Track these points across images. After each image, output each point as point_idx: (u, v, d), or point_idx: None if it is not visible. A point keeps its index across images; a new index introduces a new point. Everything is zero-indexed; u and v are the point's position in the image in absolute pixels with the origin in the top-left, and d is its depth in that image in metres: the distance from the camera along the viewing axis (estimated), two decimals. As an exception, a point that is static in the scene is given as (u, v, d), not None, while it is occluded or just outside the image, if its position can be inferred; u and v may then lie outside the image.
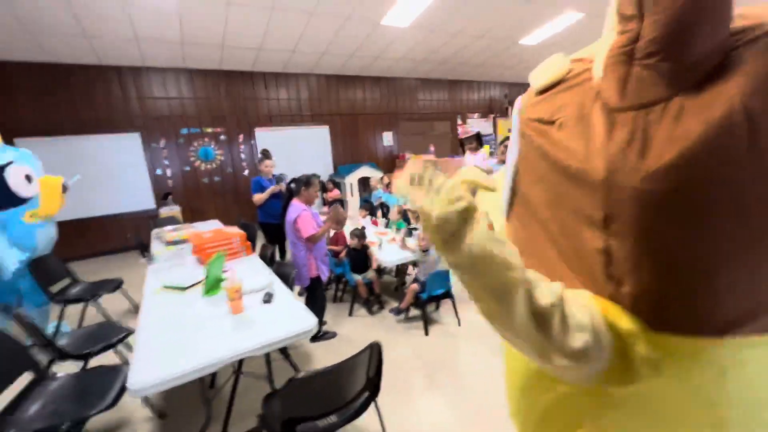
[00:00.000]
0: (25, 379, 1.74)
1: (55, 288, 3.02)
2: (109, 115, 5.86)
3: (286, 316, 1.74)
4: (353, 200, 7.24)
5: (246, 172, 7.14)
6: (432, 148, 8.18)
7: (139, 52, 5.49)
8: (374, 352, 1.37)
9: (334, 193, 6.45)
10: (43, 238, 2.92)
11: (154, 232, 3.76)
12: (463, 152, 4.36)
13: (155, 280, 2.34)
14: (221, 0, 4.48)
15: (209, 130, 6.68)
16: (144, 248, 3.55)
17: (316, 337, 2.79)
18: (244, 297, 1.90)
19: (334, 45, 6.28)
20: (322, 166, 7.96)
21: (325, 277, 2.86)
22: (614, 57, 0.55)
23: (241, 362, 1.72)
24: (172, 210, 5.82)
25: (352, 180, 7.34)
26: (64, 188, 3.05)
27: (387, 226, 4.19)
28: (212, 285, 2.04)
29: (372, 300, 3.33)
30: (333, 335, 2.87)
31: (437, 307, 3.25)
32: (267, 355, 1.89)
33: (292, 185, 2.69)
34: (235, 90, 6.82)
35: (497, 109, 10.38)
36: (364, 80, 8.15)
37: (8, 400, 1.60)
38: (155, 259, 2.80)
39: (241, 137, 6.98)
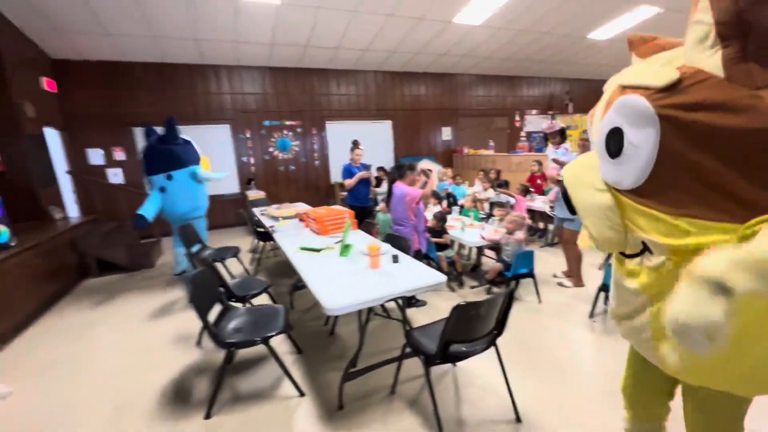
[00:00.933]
0: (217, 308, 2.28)
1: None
2: (205, 108, 6.66)
3: (414, 272, 2.13)
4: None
5: (317, 163, 7.74)
6: (492, 143, 8.34)
7: (234, 53, 6.20)
8: (506, 298, 1.71)
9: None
10: (202, 191, 4.12)
11: (256, 210, 4.36)
12: (547, 145, 4.62)
13: (288, 243, 2.85)
14: (312, 4, 4.98)
15: (288, 122, 7.33)
16: (255, 223, 4.17)
17: (411, 304, 3.19)
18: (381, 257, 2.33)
19: (404, 44, 6.64)
20: (385, 159, 8.39)
21: (424, 249, 3.28)
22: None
23: (381, 306, 2.12)
24: (258, 194, 6.52)
25: (413, 172, 7.71)
26: None
27: (461, 213, 4.51)
28: (345, 247, 2.49)
29: (453, 277, 3.67)
30: (424, 303, 3.26)
31: (516, 286, 3.53)
32: (398, 302, 2.30)
33: (395, 171, 3.08)
34: (311, 86, 7.41)
35: (557, 106, 10.24)
36: (426, 76, 8.46)
37: (211, 319, 2.13)
38: (277, 228, 3.34)
39: (314, 130, 7.58)
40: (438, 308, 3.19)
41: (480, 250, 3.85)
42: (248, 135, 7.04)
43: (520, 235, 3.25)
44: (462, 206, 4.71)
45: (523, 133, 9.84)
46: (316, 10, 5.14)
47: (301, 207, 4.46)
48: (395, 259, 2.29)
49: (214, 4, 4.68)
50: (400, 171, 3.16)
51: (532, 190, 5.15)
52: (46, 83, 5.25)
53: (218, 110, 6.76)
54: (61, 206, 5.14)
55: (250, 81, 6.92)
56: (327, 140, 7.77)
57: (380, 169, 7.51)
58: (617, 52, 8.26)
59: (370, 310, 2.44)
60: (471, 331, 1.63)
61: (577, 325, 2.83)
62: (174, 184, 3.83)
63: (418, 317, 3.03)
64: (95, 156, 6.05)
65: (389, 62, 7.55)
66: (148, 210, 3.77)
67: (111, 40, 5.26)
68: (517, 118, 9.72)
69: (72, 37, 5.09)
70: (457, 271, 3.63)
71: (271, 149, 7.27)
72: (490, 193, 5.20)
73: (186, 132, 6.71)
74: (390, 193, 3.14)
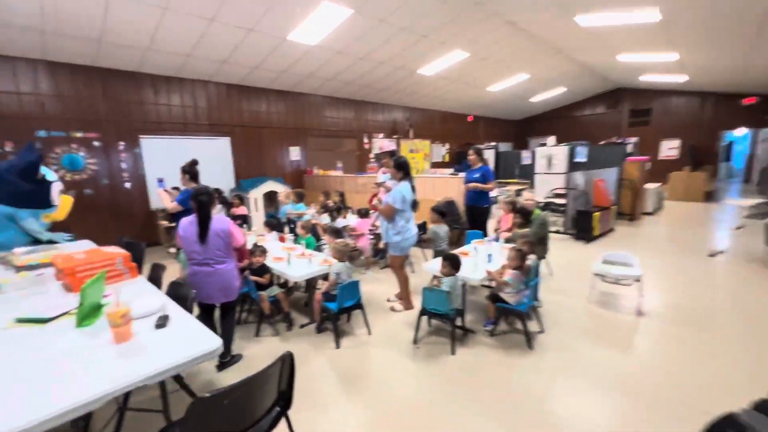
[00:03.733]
0: None
1: None
2: (-77, 109, 4.55)
3: (185, 339, 1.59)
4: (258, 215, 6.90)
5: (128, 184, 6.23)
6: (340, 165, 8.35)
7: (-24, 34, 4.45)
8: (286, 363, 1.36)
9: (241, 210, 6.05)
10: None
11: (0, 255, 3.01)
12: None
13: (3, 313, 1.90)
14: (100, -10, 3.97)
15: (78, 134, 5.67)
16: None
17: (224, 364, 2.58)
18: (134, 323, 1.69)
19: (236, 54, 6.04)
20: (224, 180, 7.42)
21: (242, 285, 2.71)
22: None
23: (127, 396, 1.50)
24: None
25: (256, 195, 7.01)
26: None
27: (296, 241, 4.13)
28: (88, 313, 1.74)
29: (278, 319, 3.23)
30: (239, 358, 2.69)
31: (348, 319, 3.31)
32: (162, 386, 1.69)
33: (204, 197, 2.39)
34: (116, 91, 5.97)
35: (400, 130, 11.15)
36: (268, 93, 7.95)
37: None
38: (1, 288, 2.25)
39: (122, 145, 6.09)
40: (257, 360, 2.68)
41: (309, 282, 3.53)
42: (9, 149, 5.13)
43: (336, 266, 3.04)
44: (296, 234, 4.33)
45: (372, 155, 10.29)
46: (104, -3, 4.10)
47: (85, 248, 3.28)
48: (161, 322, 1.70)
49: None
50: (206, 198, 2.42)
51: (372, 211, 5.19)
52: None
53: (-51, 112, 4.70)
54: None
55: (11, 76, 5.09)
56: (142, 157, 6.36)
57: (215, 191, 6.55)
58: (442, 86, 9.51)
59: (127, 396, 1.74)
60: (229, 424, 1.20)
61: (401, 354, 2.75)
62: None
63: (228, 380, 2.45)
64: None
65: (223, 73, 6.77)
66: None
67: None
68: (366, 140, 10.12)
69: None
70: (283, 311, 3.20)
71: (54, 168, 5.46)
72: (325, 218, 5.01)
73: None
74: (204, 225, 2.38)
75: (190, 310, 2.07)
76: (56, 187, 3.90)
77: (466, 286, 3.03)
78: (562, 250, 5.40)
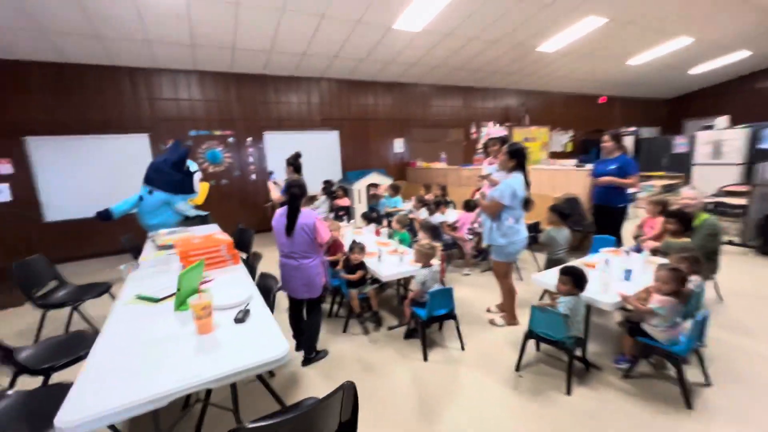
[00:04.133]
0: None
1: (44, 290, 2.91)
2: (118, 116, 5.86)
3: (259, 339, 1.52)
4: (361, 207, 7.06)
5: (254, 176, 7.05)
6: (444, 156, 7.94)
7: (150, 53, 5.48)
8: (347, 394, 1.14)
9: (344, 201, 6.27)
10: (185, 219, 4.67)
11: (151, 234, 3.63)
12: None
13: (132, 288, 2.18)
14: (230, 0, 4.41)
15: (218, 132, 6.63)
16: (137, 252, 3.42)
17: (309, 360, 2.57)
18: (218, 313, 1.71)
19: (345, 48, 6.17)
20: (331, 172, 7.82)
21: (329, 281, 2.69)
22: None
23: (208, 392, 1.51)
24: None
25: (360, 186, 7.16)
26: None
27: (391, 236, 3.97)
28: (185, 298, 1.85)
29: (367, 317, 3.11)
30: (324, 354, 2.65)
31: (440, 328, 2.99)
32: (233, 386, 1.68)
33: (296, 190, 2.36)
34: (246, 93, 6.76)
35: (513, 118, 10.09)
36: (375, 86, 8.01)
37: None
38: (139, 265, 2.64)
39: (249, 140, 6.91)
40: (341, 360, 2.60)
41: (400, 282, 3.32)
42: (169, 145, 6.26)
43: (432, 266, 2.71)
44: (392, 229, 4.15)
45: (479, 145, 9.56)
46: (235, 8, 4.56)
47: (212, 231, 3.76)
48: (241, 316, 1.68)
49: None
50: (300, 191, 2.39)
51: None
52: None
53: (133, 118, 5.97)
54: None
55: (172, 86, 6.19)
56: (266, 152, 7.11)
57: (326, 182, 6.93)
58: (567, 63, 8.16)
59: (209, 392, 1.78)
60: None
61: (499, 381, 2.31)
62: (149, 200, 4.40)
63: (310, 377, 2.42)
64: (-28, 170, 5.12)
65: (333, 69, 7.05)
66: (118, 207, 4.52)
67: (-16, 33, 4.44)
68: (473, 129, 9.45)
69: (-70, 28, 4.24)
70: (372, 310, 3.06)
71: (200, 161, 6.51)
72: (423, 213, 4.71)
73: (96, 143, 5.97)
74: (292, 218, 2.34)
75: (272, 303, 2.04)
76: (197, 177, 4.62)
77: (592, 308, 2.38)
78: (738, 269, 4.02)
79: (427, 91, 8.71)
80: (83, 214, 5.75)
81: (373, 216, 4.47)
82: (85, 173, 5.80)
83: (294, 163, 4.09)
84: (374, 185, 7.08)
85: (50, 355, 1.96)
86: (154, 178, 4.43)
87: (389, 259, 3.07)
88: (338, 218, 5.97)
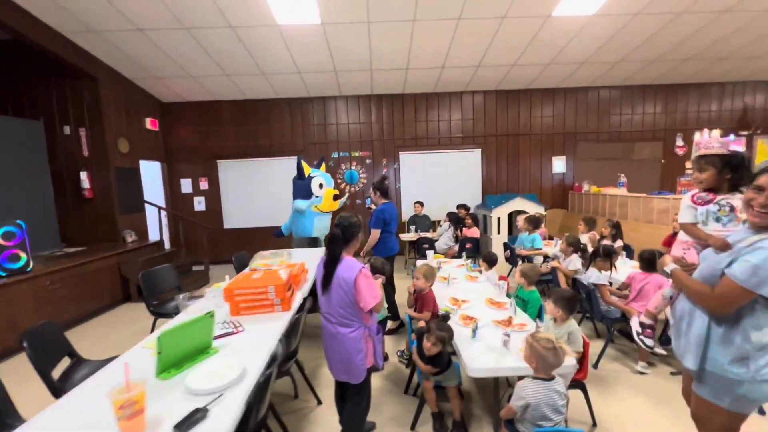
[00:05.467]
0: None
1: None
2: (279, 141, 6.71)
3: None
4: (498, 240, 5.87)
5: (386, 197, 6.89)
6: (623, 179, 5.85)
7: (302, 84, 6.04)
8: None
9: (472, 231, 5.31)
10: (317, 224, 4.84)
11: (258, 254, 3.72)
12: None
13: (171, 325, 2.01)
14: (362, 20, 4.30)
15: (356, 153, 6.79)
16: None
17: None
18: (191, 396, 1.26)
19: (489, 55, 5.28)
20: (470, 196, 6.92)
21: (382, 364, 1.93)
22: None
23: None
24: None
25: (500, 213, 5.98)
26: (336, 197, 4.86)
27: (510, 295, 2.85)
28: (170, 363, 1.48)
29: (444, 424, 2.12)
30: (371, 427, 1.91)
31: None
32: None
33: (337, 231, 1.76)
34: (385, 114, 6.71)
35: (755, 123, 6.74)
36: (530, 94, 6.70)
37: None
38: (196, 297, 2.51)
39: (384, 161, 6.81)
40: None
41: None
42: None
43: (553, 380, 1.57)
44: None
45: (691, 161, 6.75)
46: (366, 25, 4.44)
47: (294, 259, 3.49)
48: (197, 416, 1.15)
49: (260, 39, 4.54)
50: (349, 227, 1.79)
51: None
52: (150, 123, 6.09)
53: (289, 143, 6.72)
54: (142, 231, 5.73)
55: (321, 112, 6.69)
56: (400, 173, 6.87)
57: (461, 207, 6.13)
58: None
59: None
60: None
61: None
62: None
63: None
64: (186, 185, 6.73)
65: (477, 81, 6.23)
66: (285, 225, 5.15)
67: (194, 81, 5.75)
68: (680, 142, 6.75)
69: (166, 82, 5.76)
70: (455, 416, 2.07)
71: (339, 181, 6.81)
72: (575, 263, 3.27)
73: (260, 165, 7.01)
74: (329, 268, 1.75)
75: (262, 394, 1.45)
76: (316, 181, 4.72)
77: None
78: None
79: (604, 96, 6.74)
80: (251, 224, 6.83)
81: (492, 258, 3.39)
82: (254, 190, 6.86)
83: (380, 187, 3.54)
84: (521, 213, 5.77)
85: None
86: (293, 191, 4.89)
87: (491, 335, 2.07)
88: (462, 252, 5.06)
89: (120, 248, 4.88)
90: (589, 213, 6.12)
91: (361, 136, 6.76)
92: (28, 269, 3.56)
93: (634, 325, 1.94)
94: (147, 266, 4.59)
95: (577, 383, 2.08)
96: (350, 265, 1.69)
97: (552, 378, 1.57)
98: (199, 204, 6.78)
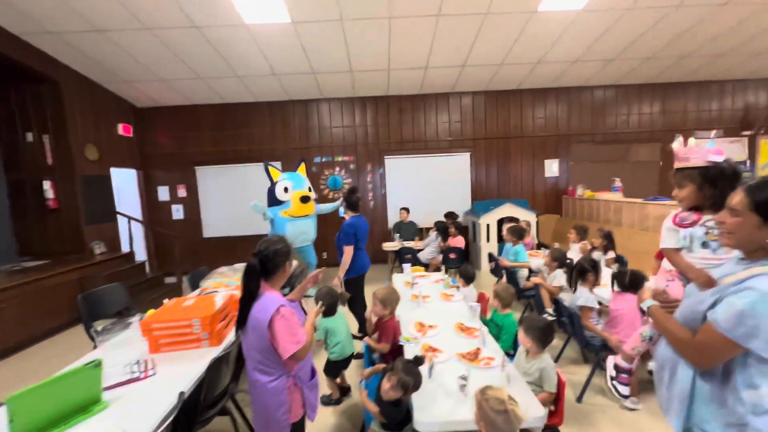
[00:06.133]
0: None
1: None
2: (258, 147, 6.44)
3: None
4: (487, 249, 5.57)
5: (371, 203, 6.61)
6: (618, 183, 5.54)
7: (279, 86, 5.77)
8: None
9: (457, 241, 5.02)
10: (291, 230, 4.50)
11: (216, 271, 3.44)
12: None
13: (99, 355, 1.73)
14: (335, 18, 4.04)
15: (339, 158, 6.51)
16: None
17: None
18: None
19: (474, 53, 5.00)
20: (459, 202, 6.63)
21: (314, 416, 1.62)
22: None
23: None
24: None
25: (488, 220, 5.69)
26: (304, 199, 4.48)
27: (484, 321, 2.54)
28: (31, 430, 1.19)
29: None
30: None
31: None
32: None
33: (254, 261, 1.43)
34: (369, 117, 6.44)
35: (758, 123, 6.43)
36: (520, 95, 6.41)
37: None
38: (107, 334, 2.22)
39: (369, 166, 6.53)
40: None
41: None
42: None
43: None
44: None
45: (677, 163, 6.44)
46: (340, 23, 4.17)
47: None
48: None
49: (229, 40, 4.28)
50: (269, 254, 1.45)
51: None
52: (122, 128, 5.83)
53: (269, 149, 6.45)
54: (113, 242, 5.47)
55: (303, 114, 6.42)
56: (385, 178, 6.59)
57: (448, 216, 5.85)
58: None
59: None
60: None
61: None
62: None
63: None
64: (163, 193, 6.47)
65: (463, 81, 5.95)
66: (270, 233, 4.56)
67: (167, 85, 5.50)
68: (676, 144, 6.43)
69: (137, 86, 5.51)
70: None
71: (322, 188, 6.53)
72: (560, 280, 2.97)
73: (240, 171, 6.70)
74: (244, 305, 1.43)
75: None
76: (280, 186, 4.53)
77: None
78: None
79: (599, 96, 6.45)
80: (232, 232, 6.56)
81: (470, 273, 3.09)
82: (235, 197, 6.57)
83: (349, 200, 3.25)
84: (511, 220, 5.46)
85: None
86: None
87: (451, 373, 1.77)
88: (446, 262, 4.77)
89: (84, 261, 4.61)
90: (583, 218, 5.82)
91: (344, 139, 6.48)
92: (-32, 289, 3.29)
93: (609, 368, 1.65)
94: (112, 280, 4.32)
95: (550, 429, 1.79)
96: (266, 304, 1.39)
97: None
98: (177, 212, 6.51)
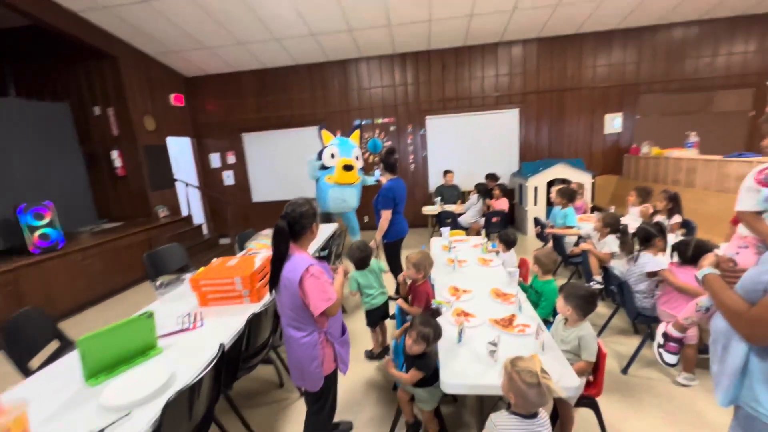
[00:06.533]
0: None
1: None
2: (299, 111, 6.48)
3: None
4: (535, 212, 5.27)
5: (413, 167, 6.48)
6: (693, 138, 4.82)
7: (318, 46, 5.64)
8: None
9: (500, 203, 4.79)
10: (333, 196, 4.65)
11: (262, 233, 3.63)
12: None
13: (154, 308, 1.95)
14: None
15: (380, 120, 6.37)
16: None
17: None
18: (103, 411, 1.15)
19: (525, -6, 4.45)
20: (506, 162, 6.27)
21: (345, 369, 1.71)
22: None
23: None
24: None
25: (537, 183, 5.33)
26: (347, 168, 4.53)
27: (523, 287, 2.44)
28: (98, 368, 1.38)
29: None
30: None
31: None
32: None
33: (282, 223, 1.45)
34: (409, 74, 6.14)
35: None
36: (579, 40, 5.68)
37: None
38: (164, 287, 2.43)
39: (410, 127, 6.32)
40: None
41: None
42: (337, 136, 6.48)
43: (539, 416, 1.23)
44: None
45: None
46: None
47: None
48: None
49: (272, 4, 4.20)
50: (299, 216, 1.47)
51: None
52: (174, 99, 6.15)
53: (310, 114, 6.46)
54: (174, 206, 5.98)
55: (342, 76, 6.28)
56: (426, 139, 6.37)
57: (490, 177, 5.60)
58: None
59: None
60: None
61: None
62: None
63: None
64: (215, 160, 6.85)
65: (513, 28, 5.37)
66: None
67: (211, 53, 5.62)
68: (776, 88, 5.40)
69: (185, 55, 5.70)
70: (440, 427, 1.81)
71: (363, 150, 6.49)
72: (611, 246, 2.72)
73: (283, 136, 6.84)
74: (275, 266, 1.47)
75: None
76: (327, 151, 4.62)
77: None
78: None
79: (677, 36, 5.52)
80: (278, 196, 6.84)
81: (510, 238, 2.95)
82: (279, 162, 6.79)
83: (387, 161, 3.16)
84: (563, 182, 5.07)
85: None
86: None
87: (483, 339, 1.74)
88: (488, 227, 4.60)
89: (150, 224, 5.12)
90: (647, 180, 5.24)
91: (383, 100, 6.29)
92: (59, 247, 3.81)
93: (658, 335, 1.51)
94: (173, 241, 4.75)
95: (586, 400, 1.72)
96: (296, 265, 1.43)
97: (533, 415, 1.23)
98: (228, 178, 6.90)
